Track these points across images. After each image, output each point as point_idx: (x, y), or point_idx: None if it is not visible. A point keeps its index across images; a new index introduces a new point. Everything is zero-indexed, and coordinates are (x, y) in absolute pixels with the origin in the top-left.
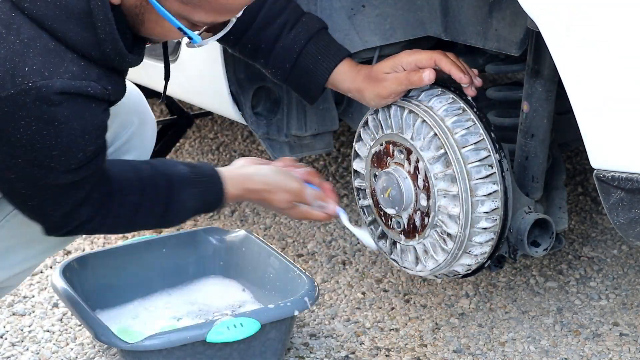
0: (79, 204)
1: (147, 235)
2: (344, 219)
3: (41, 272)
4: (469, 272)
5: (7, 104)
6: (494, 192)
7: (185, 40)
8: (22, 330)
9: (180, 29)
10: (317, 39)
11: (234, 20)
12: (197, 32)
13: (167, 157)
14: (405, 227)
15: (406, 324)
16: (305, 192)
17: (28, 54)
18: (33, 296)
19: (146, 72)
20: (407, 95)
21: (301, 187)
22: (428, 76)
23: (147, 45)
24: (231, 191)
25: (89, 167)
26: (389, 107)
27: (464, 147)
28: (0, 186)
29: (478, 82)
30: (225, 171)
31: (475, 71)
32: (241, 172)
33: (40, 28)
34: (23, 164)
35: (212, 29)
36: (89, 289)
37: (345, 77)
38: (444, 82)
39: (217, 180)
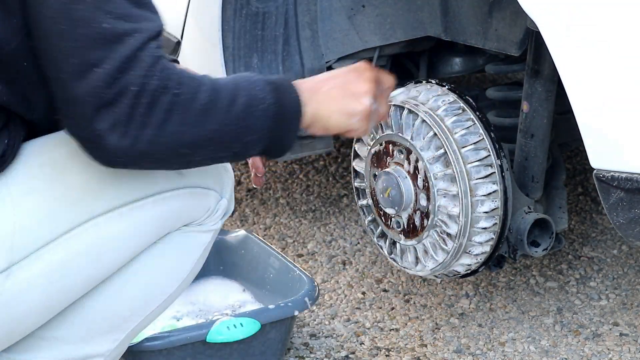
0: (129, 58)
1: None
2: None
3: None
4: (469, 272)
5: None
6: (494, 192)
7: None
8: None
9: None
10: None
11: None
12: None
13: None
14: (405, 227)
15: (406, 324)
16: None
17: None
18: None
19: None
20: (406, 95)
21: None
22: None
23: None
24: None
25: (144, 14)
26: (388, 107)
27: (463, 147)
28: (52, 48)
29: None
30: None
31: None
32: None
33: None
34: (82, 10)
35: None
36: None
37: None
38: (444, 82)
39: (291, 86)
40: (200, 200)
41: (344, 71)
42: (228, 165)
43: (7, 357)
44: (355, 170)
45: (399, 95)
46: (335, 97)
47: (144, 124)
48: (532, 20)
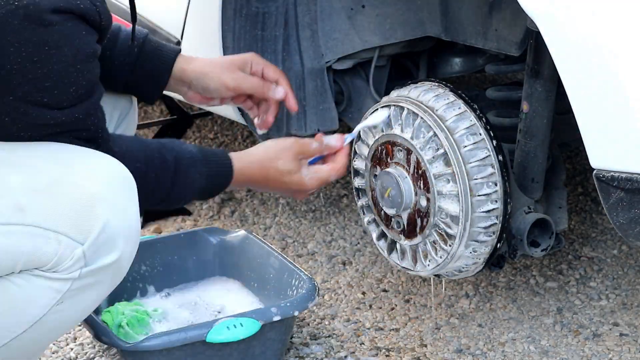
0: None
1: (146, 235)
2: (354, 135)
3: None
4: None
5: None
6: (494, 192)
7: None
8: None
9: None
10: (149, 40)
11: None
12: None
13: None
14: (405, 227)
15: (406, 324)
16: (306, 182)
17: None
18: None
19: None
20: (406, 95)
21: (306, 184)
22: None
23: None
24: (238, 176)
25: (83, 105)
26: (388, 107)
27: (464, 147)
28: None
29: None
30: (235, 155)
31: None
32: (251, 158)
33: None
34: (16, 102)
35: None
36: None
37: (191, 60)
38: (444, 82)
39: (228, 162)
40: (39, 243)
41: (275, 180)
42: (101, 209)
43: None
44: (355, 170)
45: (377, 121)
46: (277, 191)
47: None
48: (532, 20)
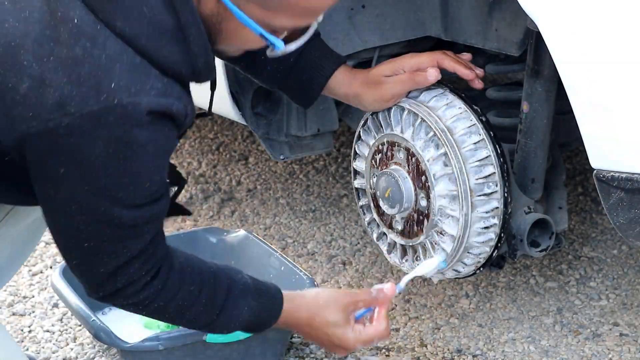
0: (135, 256)
1: None
2: (402, 287)
3: (41, 272)
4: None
5: (88, 121)
6: (494, 192)
7: (267, 48)
8: (22, 330)
9: (262, 35)
10: (313, 45)
11: (315, 24)
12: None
13: None
14: (405, 227)
15: (406, 324)
16: (349, 340)
17: (114, 69)
18: (33, 296)
19: None
20: (406, 96)
21: (349, 342)
22: (433, 74)
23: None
24: (285, 317)
25: (152, 208)
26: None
27: (464, 147)
28: (55, 222)
29: (480, 72)
30: (286, 295)
31: (477, 69)
32: (301, 302)
33: (125, 43)
34: (89, 193)
35: (291, 35)
36: None
37: (343, 82)
38: (444, 81)
39: (279, 300)
40: None
41: (319, 329)
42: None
43: None
44: (355, 170)
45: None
46: (317, 341)
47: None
48: (532, 20)
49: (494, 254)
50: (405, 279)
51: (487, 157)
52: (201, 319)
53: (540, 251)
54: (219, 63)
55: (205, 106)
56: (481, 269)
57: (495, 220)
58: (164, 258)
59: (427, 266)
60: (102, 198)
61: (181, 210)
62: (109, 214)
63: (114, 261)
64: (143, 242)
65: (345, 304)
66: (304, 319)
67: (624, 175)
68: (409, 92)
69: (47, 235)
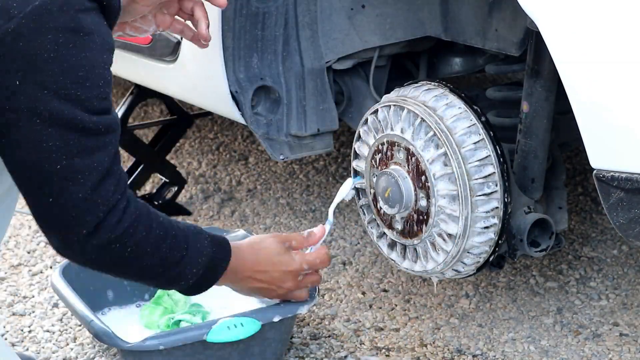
0: (107, 172)
1: None
2: (331, 221)
3: (41, 272)
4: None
5: (32, 18)
6: (494, 192)
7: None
8: (22, 330)
9: None
10: None
11: None
12: None
13: (167, 157)
14: (405, 227)
15: (406, 324)
16: (297, 262)
17: None
18: (33, 296)
19: (146, 71)
20: (406, 95)
21: (295, 263)
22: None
23: None
24: (234, 258)
25: (108, 117)
26: (388, 107)
27: (463, 147)
28: (23, 162)
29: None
30: (234, 246)
31: None
32: (239, 243)
33: None
34: (50, 97)
35: None
36: (89, 289)
37: None
38: (444, 82)
39: (225, 238)
40: None
41: (267, 261)
42: None
43: None
44: (355, 170)
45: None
46: (256, 292)
47: (95, 259)
48: (532, 20)
49: (493, 254)
50: (330, 212)
51: (487, 157)
52: (174, 257)
53: (540, 251)
54: (218, 62)
55: (205, 106)
56: (481, 269)
57: (495, 220)
58: (128, 185)
59: (344, 189)
60: (63, 101)
61: (181, 210)
62: (72, 117)
63: (89, 180)
64: (109, 155)
65: (281, 238)
66: (249, 254)
67: (624, 175)
68: (408, 92)
69: None
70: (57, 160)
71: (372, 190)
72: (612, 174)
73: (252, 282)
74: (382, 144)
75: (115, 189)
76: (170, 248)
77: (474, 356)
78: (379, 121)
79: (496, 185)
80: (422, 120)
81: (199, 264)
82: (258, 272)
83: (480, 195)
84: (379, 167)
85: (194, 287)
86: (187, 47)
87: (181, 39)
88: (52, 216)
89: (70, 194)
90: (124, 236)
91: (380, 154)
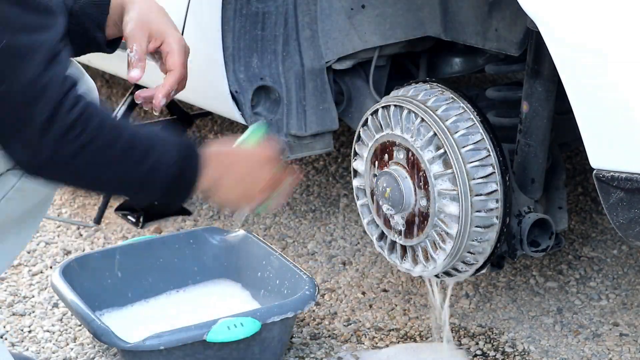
0: (53, 57)
1: (146, 235)
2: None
3: (41, 272)
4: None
5: None
6: (494, 192)
7: None
8: (22, 330)
9: None
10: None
11: None
12: None
13: None
14: (405, 227)
15: (406, 324)
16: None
17: None
18: (33, 296)
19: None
20: (406, 95)
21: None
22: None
23: None
24: (208, 155)
25: (55, 19)
26: (388, 107)
27: (463, 147)
28: None
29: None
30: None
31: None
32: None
33: None
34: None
35: None
36: (89, 289)
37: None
38: (444, 82)
39: (196, 148)
40: None
41: (249, 157)
42: None
43: None
44: (355, 170)
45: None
46: (233, 185)
47: (57, 152)
48: (532, 20)
49: (493, 254)
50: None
51: (487, 157)
52: (141, 145)
53: (540, 251)
54: (218, 62)
55: (205, 106)
56: (481, 269)
57: (495, 220)
58: (84, 93)
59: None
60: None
61: (181, 210)
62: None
63: (36, 58)
64: (54, 39)
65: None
66: (220, 147)
67: (624, 175)
68: (409, 92)
69: (46, 236)
70: (1, 36)
71: (372, 191)
72: (612, 174)
73: (234, 170)
74: (382, 144)
75: (66, 76)
76: (135, 135)
77: (474, 356)
78: (379, 121)
79: (496, 185)
80: (422, 120)
81: (170, 154)
82: (235, 163)
83: (480, 195)
84: (379, 167)
85: (172, 187)
86: None
87: None
88: (4, 106)
89: (22, 72)
90: (81, 121)
91: (380, 154)
